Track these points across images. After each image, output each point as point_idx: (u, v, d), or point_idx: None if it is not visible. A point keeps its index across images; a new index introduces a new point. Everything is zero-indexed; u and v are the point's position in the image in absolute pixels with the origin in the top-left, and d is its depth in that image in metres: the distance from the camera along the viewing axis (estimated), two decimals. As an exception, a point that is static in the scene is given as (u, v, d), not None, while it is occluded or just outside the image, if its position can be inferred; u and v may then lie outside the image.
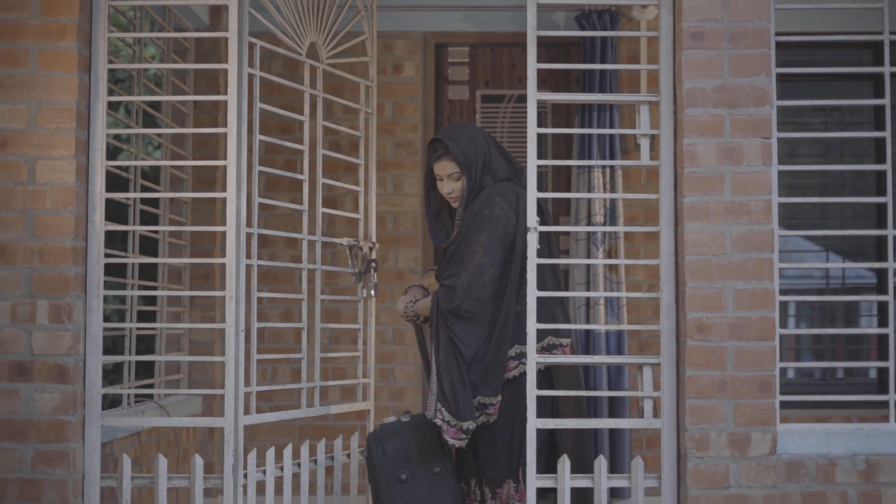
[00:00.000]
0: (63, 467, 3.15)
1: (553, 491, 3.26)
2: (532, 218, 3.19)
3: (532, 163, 3.21)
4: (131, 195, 3.39)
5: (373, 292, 3.94)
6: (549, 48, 5.28)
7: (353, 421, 4.77)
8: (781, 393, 3.21)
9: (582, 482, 3.21)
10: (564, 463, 3.18)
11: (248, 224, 3.43)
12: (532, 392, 3.17)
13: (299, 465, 3.59)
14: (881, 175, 5.18)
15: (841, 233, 3.31)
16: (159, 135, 4.54)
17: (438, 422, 3.26)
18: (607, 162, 3.69)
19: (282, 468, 3.53)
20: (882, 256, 5.05)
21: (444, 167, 3.45)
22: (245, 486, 3.33)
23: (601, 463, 3.18)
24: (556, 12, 5.22)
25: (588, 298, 4.79)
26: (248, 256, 3.46)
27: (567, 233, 5.12)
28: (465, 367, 3.26)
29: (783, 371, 5.28)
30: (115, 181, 3.97)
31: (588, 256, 4.81)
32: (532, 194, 3.21)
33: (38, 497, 3.14)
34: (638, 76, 5.10)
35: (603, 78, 4.92)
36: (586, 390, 4.01)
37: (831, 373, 5.30)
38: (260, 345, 5.04)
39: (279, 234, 3.67)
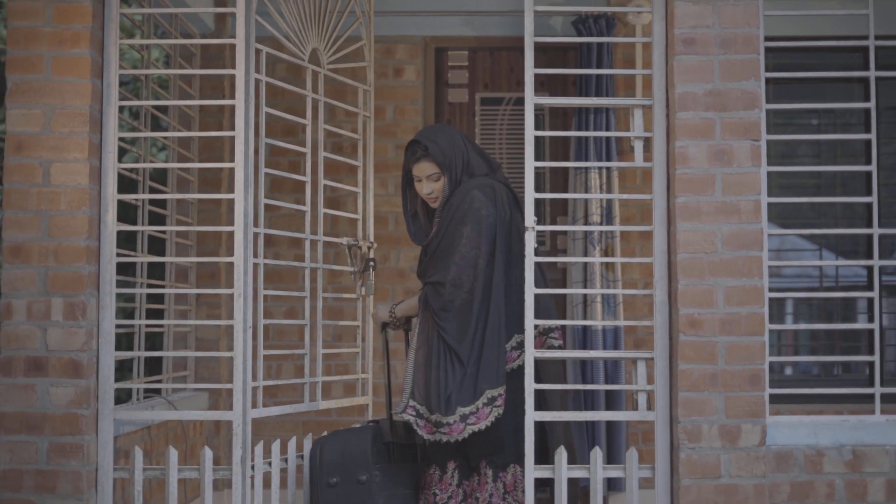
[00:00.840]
0: (77, 459, 3.24)
1: (545, 481, 3.35)
2: (530, 217, 3.28)
3: (530, 164, 3.29)
4: (141, 196, 3.47)
5: (370, 292, 4.00)
6: (546, 52, 5.32)
7: (356, 416, 4.84)
8: (778, 387, 3.29)
9: (579, 473, 3.30)
10: (561, 454, 3.27)
11: (255, 224, 3.50)
12: (530, 386, 3.26)
13: (303, 457, 3.68)
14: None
15: (827, 231, 3.40)
16: (166, 137, 4.62)
17: (408, 416, 3.31)
18: (600, 164, 3.74)
19: (286, 460, 3.63)
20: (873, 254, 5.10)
21: (424, 168, 3.47)
22: (252, 478, 3.43)
23: (597, 454, 3.28)
24: (553, 17, 5.26)
25: (585, 296, 4.86)
26: (254, 255, 3.53)
27: (565, 232, 5.19)
28: (457, 362, 3.31)
29: (781, 368, 5.35)
30: (121, 182, 4.03)
31: (585, 255, 4.87)
32: (529, 195, 3.29)
33: (53, 488, 3.23)
34: (633, 79, 5.17)
35: (599, 81, 4.95)
36: (584, 385, 4.08)
37: (829, 370, 5.36)
38: (265, 341, 5.11)
39: (283, 233, 3.75)
